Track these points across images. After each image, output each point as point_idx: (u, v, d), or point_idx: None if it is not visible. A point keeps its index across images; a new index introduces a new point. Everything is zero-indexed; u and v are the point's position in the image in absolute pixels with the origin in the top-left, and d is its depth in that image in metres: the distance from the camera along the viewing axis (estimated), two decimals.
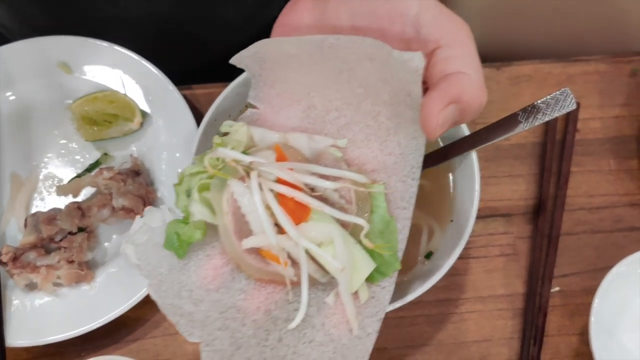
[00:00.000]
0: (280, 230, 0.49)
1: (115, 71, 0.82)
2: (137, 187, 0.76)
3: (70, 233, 0.75)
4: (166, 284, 0.50)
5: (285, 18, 0.55)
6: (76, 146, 0.82)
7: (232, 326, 0.49)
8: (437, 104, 0.45)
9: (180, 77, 0.83)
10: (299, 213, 0.49)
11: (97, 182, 0.77)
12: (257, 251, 0.49)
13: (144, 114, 0.81)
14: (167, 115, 0.81)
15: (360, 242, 0.50)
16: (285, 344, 0.49)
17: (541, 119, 0.64)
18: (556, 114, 0.64)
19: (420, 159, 0.53)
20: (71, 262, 0.73)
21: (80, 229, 0.75)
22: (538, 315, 0.77)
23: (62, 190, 0.77)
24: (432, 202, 0.72)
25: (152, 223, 0.52)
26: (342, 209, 0.50)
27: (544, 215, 0.81)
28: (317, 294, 0.50)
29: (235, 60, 0.55)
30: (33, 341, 0.73)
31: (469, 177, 0.69)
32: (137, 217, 0.53)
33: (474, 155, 0.68)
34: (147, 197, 0.77)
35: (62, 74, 0.82)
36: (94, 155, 0.82)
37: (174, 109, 0.80)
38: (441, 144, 0.72)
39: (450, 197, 0.72)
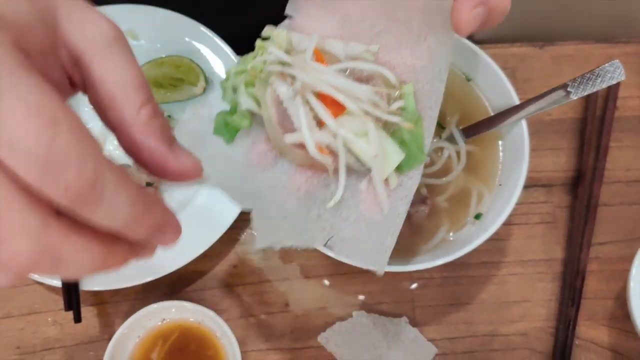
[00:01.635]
0: (319, 124, 0.54)
1: (180, 38, 0.87)
2: None
3: None
4: (217, 164, 0.56)
5: None
6: None
7: (278, 200, 0.55)
8: (468, 3, 0.51)
9: (240, 47, 0.88)
10: (334, 109, 0.55)
11: None
12: (299, 143, 0.55)
13: (207, 80, 0.86)
14: None
15: (391, 136, 0.56)
16: (324, 219, 0.55)
17: (590, 89, 0.68)
18: (605, 85, 0.68)
19: (448, 63, 0.58)
20: None
21: (149, 184, 0.80)
22: (576, 278, 0.81)
23: None
24: (481, 167, 0.77)
25: (202, 112, 0.59)
26: (374, 105, 0.56)
27: (582, 186, 0.85)
28: (351, 182, 0.56)
29: None
30: (101, 286, 0.78)
31: (519, 145, 0.74)
32: (188, 107, 0.58)
33: (523, 123, 0.72)
34: None
35: (130, 40, 0.86)
36: None
37: None
38: (491, 113, 0.77)
39: (499, 163, 0.77)
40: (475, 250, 0.83)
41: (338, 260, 0.68)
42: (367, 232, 0.55)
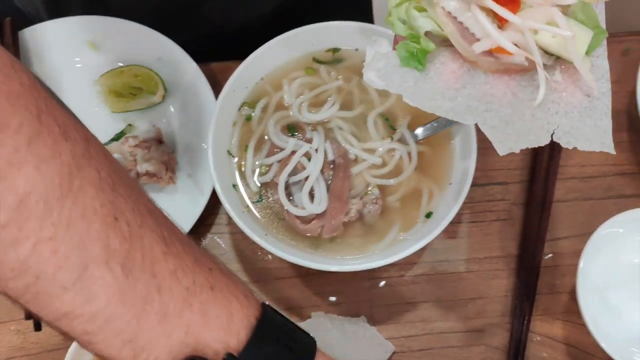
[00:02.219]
0: (500, 25, 0.55)
1: (139, 47, 0.88)
2: (160, 154, 0.83)
3: None
4: (417, 93, 0.57)
5: None
6: (103, 117, 0.88)
7: (494, 108, 0.56)
8: None
9: (197, 53, 0.89)
10: (510, 7, 0.55)
11: (123, 149, 0.83)
12: (487, 51, 0.56)
13: (166, 88, 0.87)
14: (187, 89, 0.87)
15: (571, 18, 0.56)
16: (538, 118, 0.56)
17: None
18: None
19: None
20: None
21: None
22: (531, 274, 0.82)
23: None
24: (433, 167, 0.79)
25: (382, 50, 0.59)
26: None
27: (537, 183, 0.86)
28: (545, 76, 0.56)
29: None
30: None
31: (469, 144, 0.75)
32: (367, 47, 0.59)
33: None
34: (169, 164, 0.83)
35: (90, 51, 0.88)
36: (119, 126, 0.88)
37: (194, 83, 0.87)
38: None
39: (450, 162, 0.78)
40: (432, 249, 0.85)
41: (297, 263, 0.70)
42: (581, 119, 0.56)
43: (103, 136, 0.87)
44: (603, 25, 0.58)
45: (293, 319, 0.79)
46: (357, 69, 0.82)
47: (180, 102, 0.88)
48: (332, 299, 0.83)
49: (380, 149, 0.78)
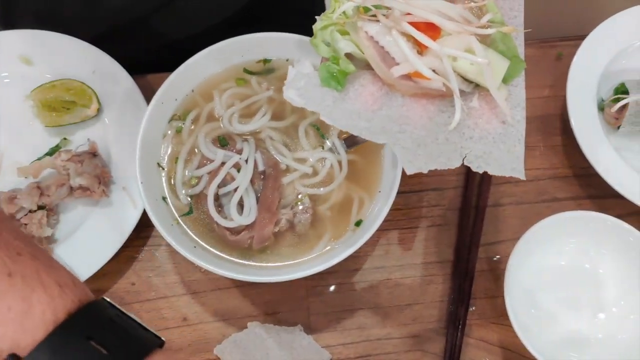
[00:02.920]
0: (419, 52, 0.56)
1: (73, 61, 0.88)
2: (93, 168, 0.82)
3: (31, 211, 0.81)
4: (335, 112, 0.59)
5: None
6: (37, 132, 0.87)
7: (407, 129, 0.58)
8: None
9: (134, 65, 0.89)
10: (430, 34, 0.57)
11: (56, 163, 0.82)
12: (406, 75, 0.57)
13: (100, 101, 0.87)
14: (122, 102, 0.87)
15: (491, 47, 0.58)
16: (452, 142, 0.58)
17: None
18: None
19: None
20: (31, 237, 0.79)
21: (40, 207, 0.81)
22: (465, 279, 0.83)
23: (22, 171, 0.83)
24: (363, 176, 0.79)
25: (303, 70, 0.61)
26: (468, 22, 0.58)
27: (471, 188, 0.87)
28: (462, 103, 0.58)
29: None
30: None
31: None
32: (290, 67, 0.61)
33: None
34: (102, 177, 0.82)
35: (22, 65, 0.88)
36: (54, 140, 0.87)
37: (129, 95, 0.87)
38: None
39: (380, 170, 0.79)
40: (368, 256, 0.86)
41: (224, 276, 0.70)
42: (495, 144, 0.57)
43: (37, 151, 0.87)
44: (522, 56, 0.60)
45: (230, 330, 0.81)
46: None
47: (115, 114, 0.88)
48: (269, 308, 0.83)
49: (311, 158, 0.79)
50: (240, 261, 0.75)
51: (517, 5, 0.61)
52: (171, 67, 0.85)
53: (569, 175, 0.90)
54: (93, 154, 0.84)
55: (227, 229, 0.75)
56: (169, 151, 0.79)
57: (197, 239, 0.76)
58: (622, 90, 0.87)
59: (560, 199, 0.89)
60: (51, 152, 0.86)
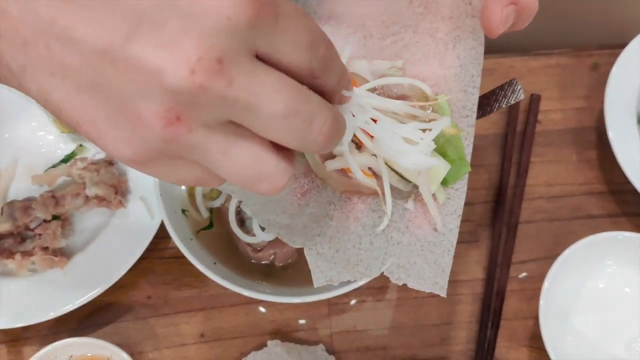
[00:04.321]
0: (358, 147, 0.51)
1: None
2: (109, 177, 0.80)
3: (45, 221, 0.78)
4: (264, 205, 0.54)
5: None
6: (52, 138, 0.85)
7: (328, 233, 0.53)
8: (499, 3, 0.48)
9: None
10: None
11: (71, 172, 0.80)
12: (341, 169, 0.53)
13: None
14: None
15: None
16: (376, 247, 0.53)
17: (489, 111, 0.67)
18: (504, 105, 0.67)
19: (480, 68, 0.55)
20: (45, 248, 0.76)
21: (55, 217, 0.78)
22: (495, 299, 0.80)
23: (37, 179, 0.80)
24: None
25: None
26: (412, 118, 0.52)
27: (503, 204, 0.84)
28: (397, 202, 0.54)
29: None
30: (10, 324, 0.76)
31: None
32: None
33: None
34: (119, 186, 0.80)
35: None
36: (69, 146, 0.85)
37: None
38: None
39: None
40: None
41: (245, 295, 0.67)
42: (422, 253, 0.53)
43: (53, 157, 0.84)
44: (468, 158, 0.54)
45: (248, 347, 0.78)
46: None
47: None
48: (290, 326, 0.80)
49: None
50: (262, 279, 0.72)
51: (470, 104, 0.55)
52: None
53: (605, 191, 0.86)
54: (109, 162, 0.81)
55: (249, 245, 0.72)
56: None
57: (216, 254, 0.72)
58: None
59: (595, 217, 0.85)
60: (66, 160, 0.83)
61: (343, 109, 0.49)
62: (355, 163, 0.50)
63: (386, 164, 0.51)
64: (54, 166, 0.83)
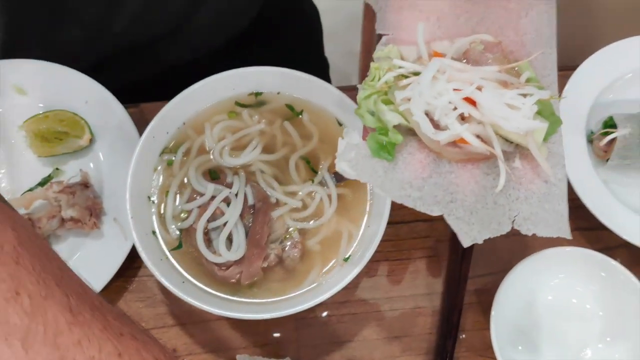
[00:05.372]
0: (462, 118, 0.56)
1: (66, 91, 0.88)
2: (84, 199, 0.83)
3: None
4: (387, 183, 0.58)
5: None
6: (29, 162, 0.88)
7: (458, 198, 0.58)
8: None
9: (133, 91, 0.90)
10: (470, 100, 0.56)
11: (47, 195, 0.83)
12: (452, 142, 0.57)
13: (92, 131, 0.87)
14: (115, 132, 0.88)
15: None
16: (500, 205, 0.58)
17: None
18: None
19: (554, 28, 0.61)
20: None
21: None
22: (454, 312, 0.84)
23: (14, 203, 0.83)
24: (352, 210, 0.80)
25: (353, 141, 0.60)
26: (505, 84, 0.58)
27: None
28: (506, 164, 0.58)
29: None
30: None
31: None
32: (339, 139, 0.60)
33: None
34: (93, 209, 0.83)
35: (15, 95, 0.88)
36: (46, 169, 0.88)
37: (121, 126, 0.87)
38: None
39: (368, 205, 0.79)
40: (359, 288, 0.86)
41: (212, 312, 0.70)
42: (540, 204, 0.57)
43: (29, 181, 0.87)
44: (558, 113, 0.60)
45: None
46: (279, 111, 0.83)
47: (108, 145, 0.88)
48: (258, 340, 0.83)
49: (301, 192, 0.79)
50: (229, 297, 0.76)
51: (549, 64, 0.61)
52: (173, 92, 0.85)
53: None
54: (85, 185, 0.85)
55: (216, 264, 0.75)
56: (160, 184, 0.80)
57: (185, 273, 0.76)
58: (610, 124, 0.87)
59: None
60: (43, 183, 0.87)
61: (445, 84, 0.55)
62: (468, 132, 0.55)
63: (493, 128, 0.56)
64: (30, 189, 0.86)
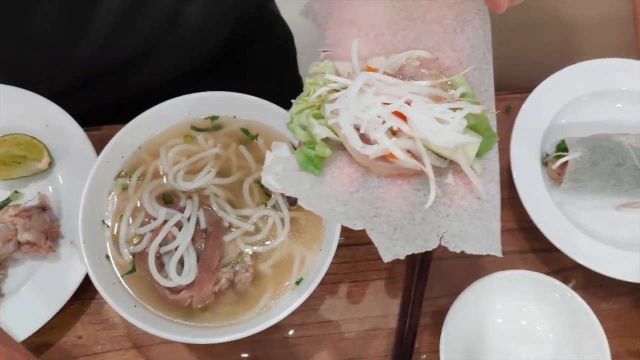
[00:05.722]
0: (392, 133, 0.56)
1: (26, 114, 0.89)
2: (41, 223, 0.83)
3: None
4: (313, 196, 0.58)
5: None
6: None
7: (383, 213, 0.57)
8: None
9: (103, 113, 0.91)
10: (401, 115, 0.56)
11: (4, 218, 0.83)
12: (381, 156, 0.57)
13: (51, 155, 0.88)
14: (74, 156, 0.88)
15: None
16: (428, 221, 0.57)
17: None
18: None
19: (489, 44, 0.61)
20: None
21: None
22: (409, 333, 0.84)
23: None
24: (305, 233, 0.80)
25: (281, 154, 0.60)
26: (438, 99, 0.57)
27: None
28: (437, 179, 0.58)
29: (305, 10, 0.62)
30: None
31: None
32: (268, 152, 0.60)
33: None
34: (50, 232, 0.83)
35: None
36: (5, 192, 0.88)
37: (80, 149, 0.88)
38: None
39: (321, 228, 0.80)
40: (315, 310, 0.87)
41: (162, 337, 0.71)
42: (472, 221, 0.57)
43: None
44: (494, 129, 0.60)
45: None
46: (235, 136, 0.84)
47: (66, 168, 0.89)
48: None
49: (254, 215, 0.80)
50: (181, 321, 0.76)
51: (486, 79, 0.61)
52: (133, 115, 0.85)
53: (515, 228, 0.92)
54: (43, 208, 0.85)
55: (168, 288, 0.76)
56: (115, 208, 0.80)
57: (138, 298, 0.76)
58: (563, 147, 0.89)
59: (506, 253, 0.88)
60: (1, 206, 0.87)
61: (373, 98, 0.55)
62: (397, 146, 0.55)
63: (423, 144, 0.56)
64: None
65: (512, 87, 1.00)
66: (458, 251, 0.57)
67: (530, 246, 0.91)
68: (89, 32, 0.87)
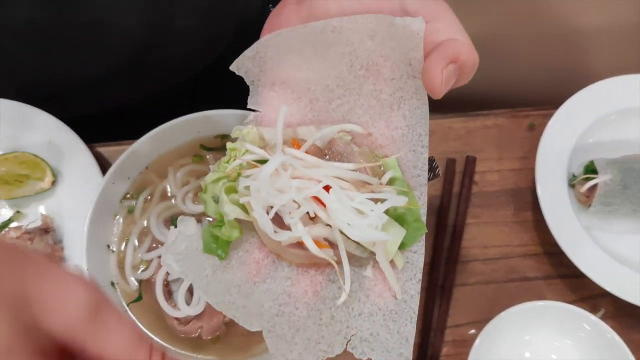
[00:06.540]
0: (311, 218, 0.50)
1: (29, 130, 0.85)
2: (43, 246, 0.79)
3: None
4: (213, 284, 0.52)
5: (273, 22, 0.56)
6: None
7: (286, 311, 0.51)
8: (439, 63, 0.48)
9: (96, 128, 0.88)
10: (321, 200, 0.50)
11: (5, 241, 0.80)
12: (296, 242, 0.51)
13: (54, 173, 0.84)
14: (77, 174, 0.84)
15: (386, 213, 0.51)
16: (338, 320, 0.51)
17: None
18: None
19: (427, 127, 0.55)
20: None
21: None
22: None
23: None
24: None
25: (187, 231, 0.54)
26: (363, 184, 0.52)
27: (437, 267, 0.84)
28: (355, 270, 0.52)
29: (237, 65, 0.56)
30: None
31: None
32: (171, 227, 0.54)
33: None
34: (52, 255, 0.80)
35: None
36: (7, 212, 0.85)
37: (85, 168, 0.84)
38: None
39: None
40: None
41: None
42: (385, 323, 0.51)
43: None
44: (424, 219, 0.53)
45: None
46: None
47: (71, 187, 0.85)
48: None
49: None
50: (190, 353, 0.72)
51: (420, 163, 0.54)
52: (142, 125, 0.81)
53: (540, 252, 0.87)
54: (45, 230, 0.81)
55: (176, 318, 0.72)
56: (120, 232, 0.76)
57: (144, 328, 0.72)
58: (591, 169, 0.84)
59: (531, 279, 0.86)
60: (2, 227, 0.83)
61: (287, 181, 0.49)
62: (309, 236, 0.49)
63: (341, 232, 0.50)
64: None
65: (534, 103, 0.96)
66: (364, 358, 0.50)
67: (556, 272, 0.86)
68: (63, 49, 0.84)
